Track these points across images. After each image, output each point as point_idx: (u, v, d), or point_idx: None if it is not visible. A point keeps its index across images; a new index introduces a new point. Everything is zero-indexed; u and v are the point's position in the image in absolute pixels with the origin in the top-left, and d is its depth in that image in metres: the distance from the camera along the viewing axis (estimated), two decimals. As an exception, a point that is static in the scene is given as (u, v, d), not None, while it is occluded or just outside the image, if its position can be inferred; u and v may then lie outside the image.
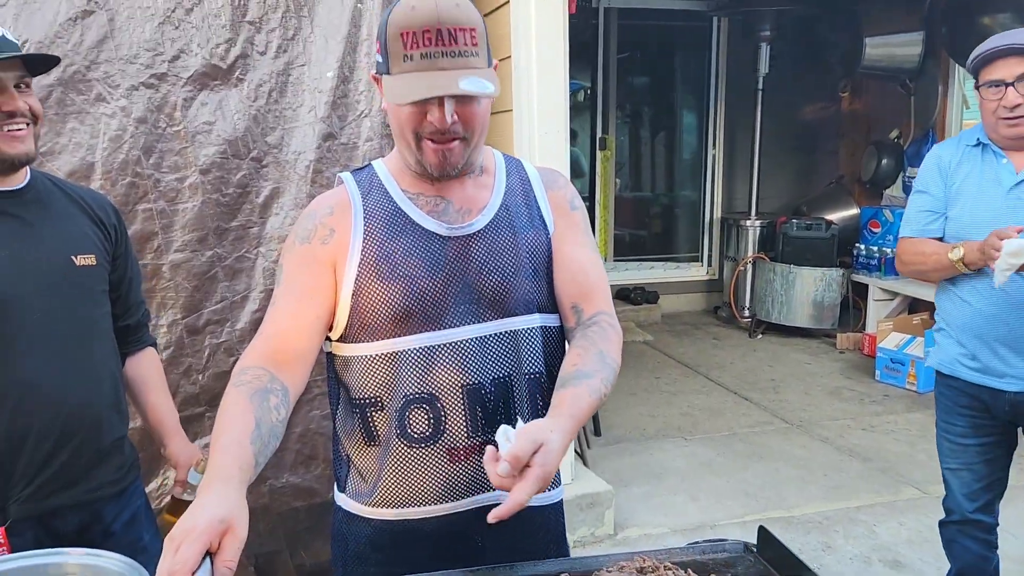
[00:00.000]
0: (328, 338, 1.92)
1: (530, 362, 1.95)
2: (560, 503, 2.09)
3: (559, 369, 2.02)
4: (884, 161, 8.51)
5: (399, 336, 1.81)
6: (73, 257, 2.14)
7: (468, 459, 1.89)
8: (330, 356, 1.96)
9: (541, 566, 1.81)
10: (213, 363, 3.65)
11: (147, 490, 2.61)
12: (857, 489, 5.19)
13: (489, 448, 1.55)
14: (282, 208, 3.72)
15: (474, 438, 1.89)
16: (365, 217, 1.86)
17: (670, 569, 1.72)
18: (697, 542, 2.12)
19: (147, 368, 2.53)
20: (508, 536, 1.94)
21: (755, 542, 1.95)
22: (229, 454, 1.50)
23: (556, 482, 2.05)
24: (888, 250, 8.06)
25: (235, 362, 3.40)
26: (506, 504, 1.49)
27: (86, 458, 2.17)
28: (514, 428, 1.56)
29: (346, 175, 1.95)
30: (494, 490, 1.94)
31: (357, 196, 1.88)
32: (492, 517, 1.50)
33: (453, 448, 1.85)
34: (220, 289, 3.66)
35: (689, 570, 1.72)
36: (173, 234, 3.54)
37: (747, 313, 8.94)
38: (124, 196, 3.43)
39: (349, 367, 1.87)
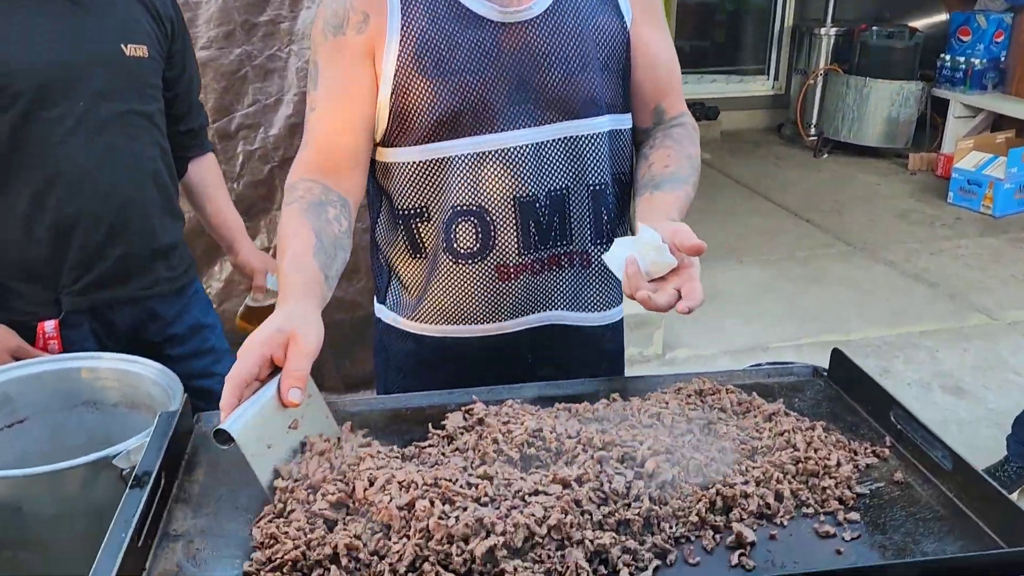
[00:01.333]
0: None
1: (594, 172, 1.71)
2: (620, 322, 1.91)
3: (628, 177, 1.80)
4: (982, -41, 7.63)
5: (445, 140, 1.62)
6: (123, 46, 2.03)
7: (518, 277, 1.71)
8: (370, 162, 1.76)
9: (589, 384, 1.66)
10: (247, 171, 3.48)
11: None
12: (921, 315, 4.97)
13: (628, 264, 1.45)
14: (314, 0, 3.40)
15: (525, 256, 1.70)
16: None
17: (733, 392, 1.54)
18: (760, 364, 1.94)
19: (208, 174, 2.46)
20: (562, 356, 1.79)
21: (823, 366, 1.77)
22: (292, 273, 1.44)
23: (616, 300, 1.86)
24: (977, 61, 7.38)
25: (270, 170, 3.20)
26: (693, 300, 1.41)
27: (139, 255, 2.13)
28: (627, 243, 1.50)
29: None
30: (546, 310, 1.77)
31: None
32: (683, 309, 1.40)
33: (502, 265, 1.69)
34: (251, 91, 3.43)
35: (755, 394, 1.55)
36: (197, 29, 3.27)
37: (813, 131, 8.42)
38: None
39: (391, 175, 1.69)
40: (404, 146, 1.65)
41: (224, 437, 1.25)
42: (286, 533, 1.18)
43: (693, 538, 1.23)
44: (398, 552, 1.13)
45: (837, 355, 1.66)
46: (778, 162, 8.21)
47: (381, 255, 1.83)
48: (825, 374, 1.70)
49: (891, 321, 4.90)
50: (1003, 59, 7.49)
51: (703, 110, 8.85)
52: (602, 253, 1.63)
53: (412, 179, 1.67)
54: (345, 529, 1.18)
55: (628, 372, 2.03)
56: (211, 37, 3.30)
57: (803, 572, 1.17)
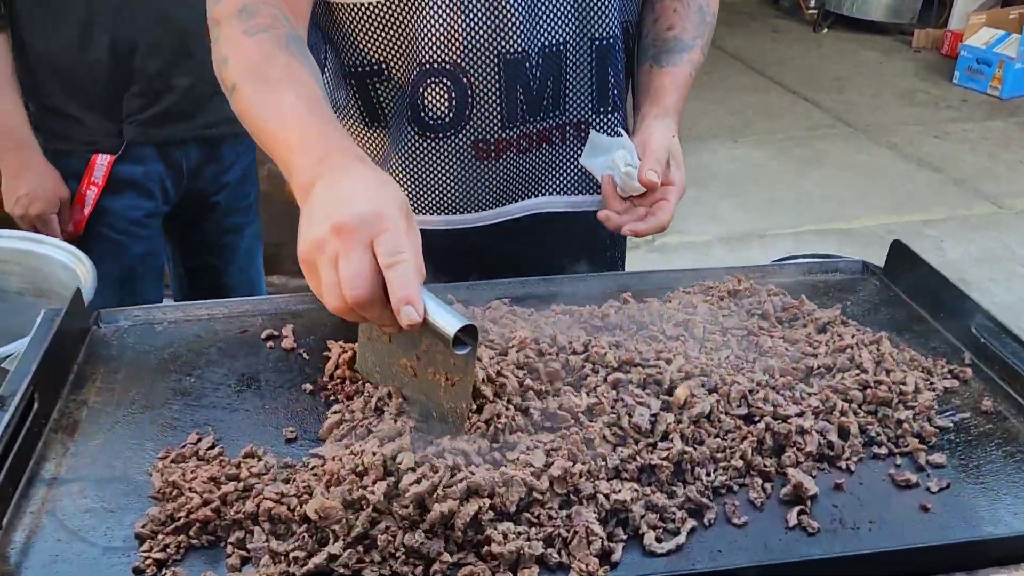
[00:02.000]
0: None
1: (600, 22, 1.34)
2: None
3: (636, 28, 1.43)
4: None
5: None
6: None
7: (500, 157, 1.36)
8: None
9: (592, 281, 1.35)
10: None
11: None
12: (926, 202, 4.68)
13: (605, 176, 1.29)
14: None
15: (510, 129, 1.35)
16: None
17: (776, 294, 1.23)
18: (793, 257, 1.64)
19: None
20: (552, 252, 1.45)
21: (872, 261, 1.47)
22: (316, 118, 1.03)
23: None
24: (995, -72, 6.82)
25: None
26: (651, 225, 1.27)
27: (205, 89, 1.97)
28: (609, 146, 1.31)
29: None
30: (533, 196, 1.43)
31: None
32: (627, 230, 1.28)
33: (481, 141, 1.36)
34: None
35: (804, 297, 1.23)
36: None
37: (813, 4, 7.89)
38: None
39: (338, 19, 1.32)
40: None
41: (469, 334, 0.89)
42: (190, 487, 0.87)
43: (736, 488, 0.94)
44: (339, 519, 0.83)
45: (897, 248, 1.35)
46: (775, 36, 7.71)
47: None
48: (879, 271, 1.39)
49: (895, 208, 4.61)
50: (1023, -74, 6.93)
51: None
52: (603, 124, 1.38)
53: (368, 25, 1.28)
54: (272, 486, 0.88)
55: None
56: None
57: (895, 548, 0.87)
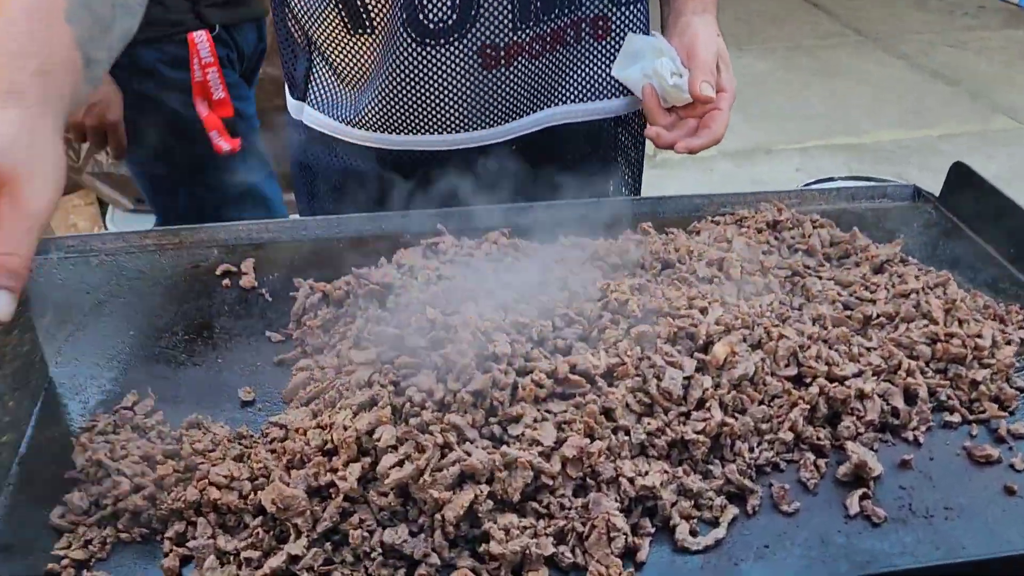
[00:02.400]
0: None
1: None
2: (639, 113, 1.35)
3: None
4: None
5: None
6: None
7: (511, 64, 1.15)
8: None
9: (604, 207, 1.16)
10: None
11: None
12: (940, 115, 4.46)
13: (646, 88, 1.16)
14: None
15: (522, 31, 1.13)
16: None
17: (823, 225, 1.05)
18: (831, 179, 1.45)
19: None
20: (566, 166, 1.25)
21: (928, 185, 1.29)
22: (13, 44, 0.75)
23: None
24: None
25: None
26: (706, 139, 1.14)
27: None
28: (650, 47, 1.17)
29: None
30: (546, 107, 1.22)
31: None
32: (680, 147, 1.14)
33: (490, 47, 1.15)
34: None
35: (856, 229, 1.05)
36: None
37: (825, -98, 7.44)
38: None
39: None
40: None
41: None
42: (119, 467, 0.71)
43: (784, 466, 0.78)
44: (301, 511, 0.67)
45: (959, 171, 1.16)
46: (783, -63, 7.29)
47: (296, 26, 1.22)
48: (934, 199, 1.21)
49: (907, 122, 4.39)
50: None
51: None
52: (625, 18, 1.18)
53: None
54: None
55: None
56: None
57: (993, 556, 0.72)
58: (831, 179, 1.44)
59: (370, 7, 1.11)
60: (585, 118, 1.24)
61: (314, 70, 1.23)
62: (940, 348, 0.87)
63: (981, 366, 0.88)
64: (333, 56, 1.19)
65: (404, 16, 1.10)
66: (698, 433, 0.75)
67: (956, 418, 0.84)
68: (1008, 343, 0.92)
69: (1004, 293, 1.02)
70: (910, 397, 0.84)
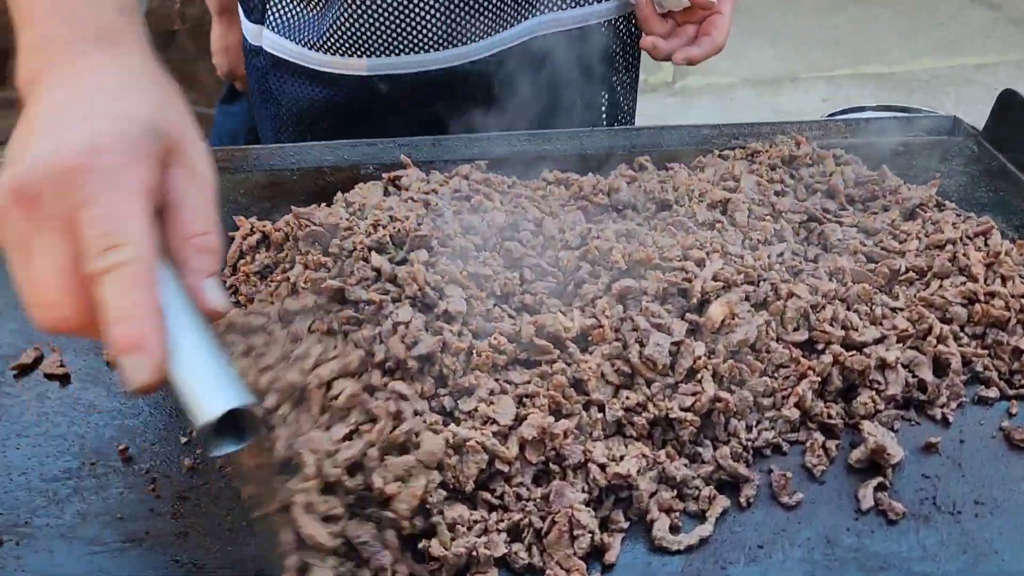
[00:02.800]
0: None
1: None
2: (630, 17, 1.18)
3: None
4: None
5: None
6: None
7: None
8: None
9: (594, 137, 1.03)
10: None
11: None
12: (978, 44, 4.21)
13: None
14: None
15: None
16: None
17: (848, 163, 0.91)
18: (862, 109, 1.30)
19: None
20: (553, 85, 1.10)
21: (964, 118, 1.13)
22: None
23: None
24: None
25: None
26: (706, 49, 1.03)
27: None
28: None
29: None
30: (532, 15, 1.06)
31: None
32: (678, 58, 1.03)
33: None
34: None
35: (885, 168, 0.91)
36: None
37: None
38: None
39: None
40: None
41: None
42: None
43: (787, 449, 0.67)
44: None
45: (1008, 100, 1.01)
46: None
47: None
48: (976, 132, 1.06)
49: (942, 50, 4.15)
50: None
51: None
52: None
53: None
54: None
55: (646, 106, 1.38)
56: None
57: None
58: (861, 109, 1.28)
59: None
60: (574, 25, 1.09)
61: None
62: (979, 309, 0.74)
63: (1026, 332, 0.75)
64: None
65: None
66: (686, 410, 0.63)
67: (993, 392, 0.71)
68: (1058, 304, 0.79)
69: (1053, 244, 0.89)
70: (940, 367, 0.71)
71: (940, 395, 0.70)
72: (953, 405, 0.70)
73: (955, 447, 0.68)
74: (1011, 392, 0.72)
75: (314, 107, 1.10)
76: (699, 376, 0.65)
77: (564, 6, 1.07)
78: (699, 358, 0.66)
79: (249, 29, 1.14)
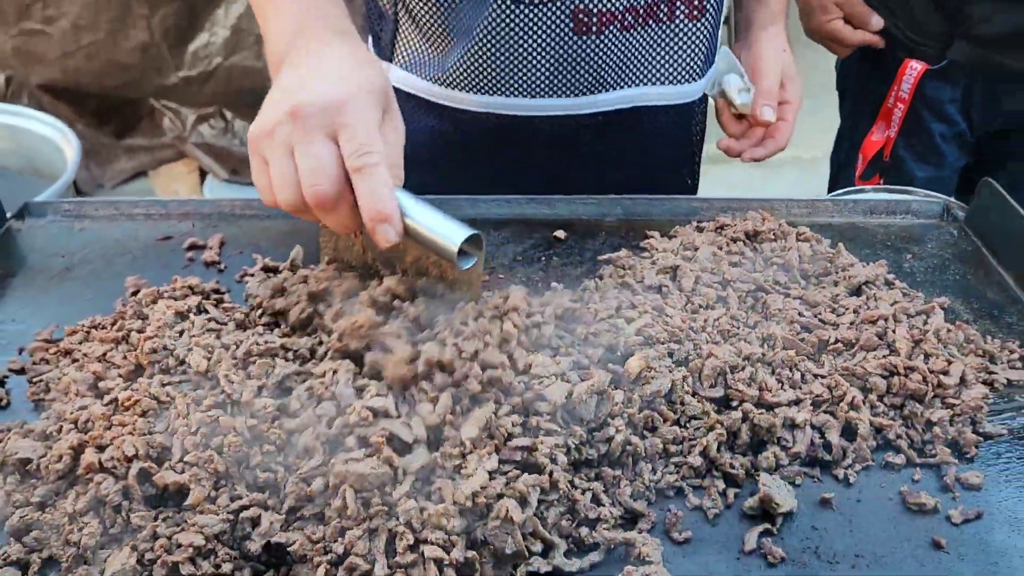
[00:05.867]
0: None
1: None
2: (703, 99, 1.32)
3: None
4: None
5: None
6: None
7: (601, 33, 1.13)
8: None
9: (588, 204, 1.13)
10: None
11: None
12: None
13: (719, 102, 1.26)
14: None
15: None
16: None
17: (808, 239, 0.98)
18: (861, 190, 1.36)
19: None
20: (641, 149, 1.25)
21: (954, 200, 1.18)
22: None
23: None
24: None
25: None
26: (770, 149, 1.25)
27: None
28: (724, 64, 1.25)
29: None
30: (626, 87, 1.19)
31: None
32: (746, 157, 1.25)
33: (583, 11, 1.13)
34: None
35: (842, 245, 0.97)
36: None
37: None
38: None
39: None
40: None
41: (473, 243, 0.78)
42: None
43: (689, 491, 0.74)
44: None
45: (987, 189, 1.06)
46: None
47: None
48: (960, 218, 1.11)
49: None
50: None
51: None
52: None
53: None
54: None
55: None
56: None
57: None
58: (860, 190, 1.34)
59: None
60: (668, 102, 1.21)
61: (400, 31, 1.24)
62: (897, 382, 0.80)
63: (944, 405, 0.80)
64: (419, 13, 1.19)
65: None
66: (593, 457, 0.72)
67: (900, 459, 0.77)
68: (987, 383, 0.83)
69: (1010, 328, 0.93)
70: (849, 432, 0.77)
71: (846, 457, 0.76)
72: (858, 467, 0.76)
73: (851, 505, 0.74)
74: (918, 460, 0.77)
75: (434, 138, 1.25)
76: (611, 425, 0.73)
77: (663, 82, 1.20)
78: (617, 404, 0.74)
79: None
